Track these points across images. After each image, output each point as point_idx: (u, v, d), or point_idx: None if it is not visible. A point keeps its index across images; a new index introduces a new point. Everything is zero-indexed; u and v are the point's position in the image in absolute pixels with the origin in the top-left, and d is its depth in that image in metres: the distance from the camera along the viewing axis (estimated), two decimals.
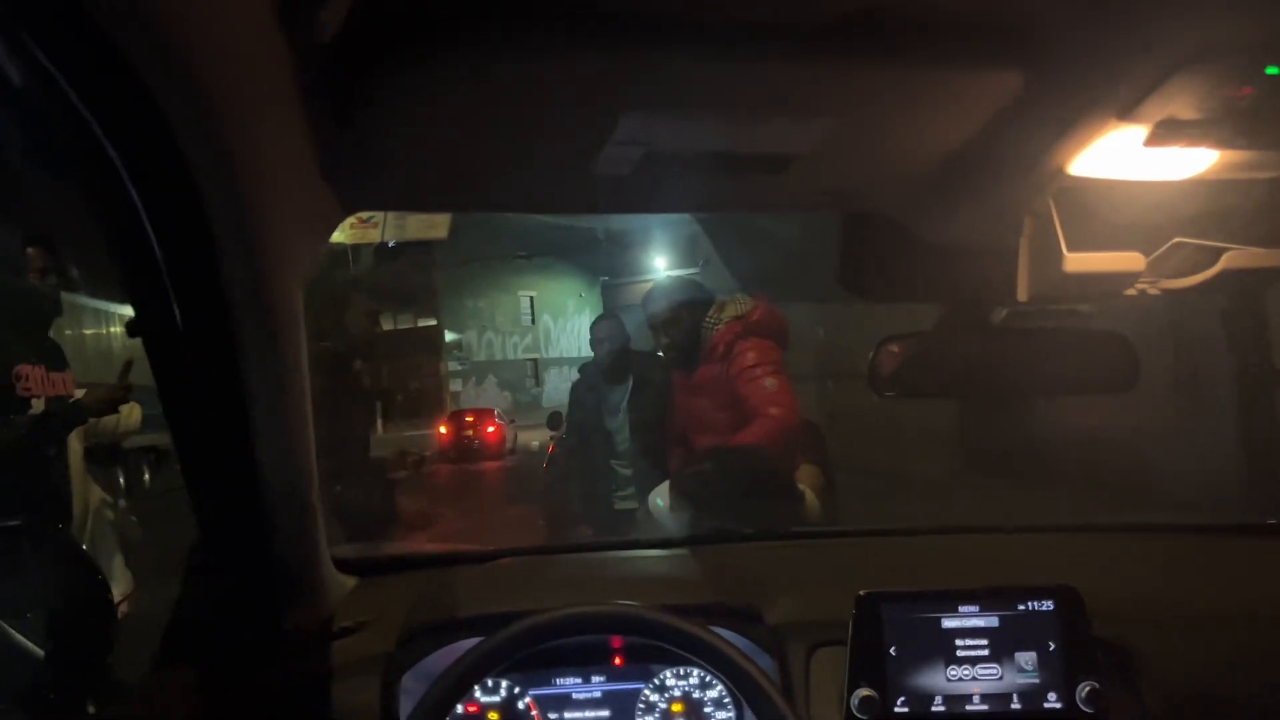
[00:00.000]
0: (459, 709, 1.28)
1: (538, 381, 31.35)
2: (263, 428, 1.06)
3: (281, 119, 0.85)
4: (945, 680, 1.25)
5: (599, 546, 2.02)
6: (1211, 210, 1.28)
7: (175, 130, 0.75)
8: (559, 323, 32.54)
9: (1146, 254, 1.25)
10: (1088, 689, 1.23)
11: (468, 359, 30.06)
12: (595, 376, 3.83)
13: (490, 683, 1.29)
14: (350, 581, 1.48)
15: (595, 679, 1.31)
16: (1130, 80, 0.94)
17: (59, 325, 3.37)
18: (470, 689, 1.18)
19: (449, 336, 29.40)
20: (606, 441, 3.72)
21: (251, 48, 0.75)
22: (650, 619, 1.11)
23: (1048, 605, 1.26)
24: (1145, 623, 1.34)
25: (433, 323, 29.02)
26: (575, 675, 1.31)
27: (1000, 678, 1.25)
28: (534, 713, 1.30)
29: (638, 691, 1.31)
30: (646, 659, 1.31)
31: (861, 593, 1.26)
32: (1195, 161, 1.08)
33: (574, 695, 1.30)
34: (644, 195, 1.28)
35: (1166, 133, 0.99)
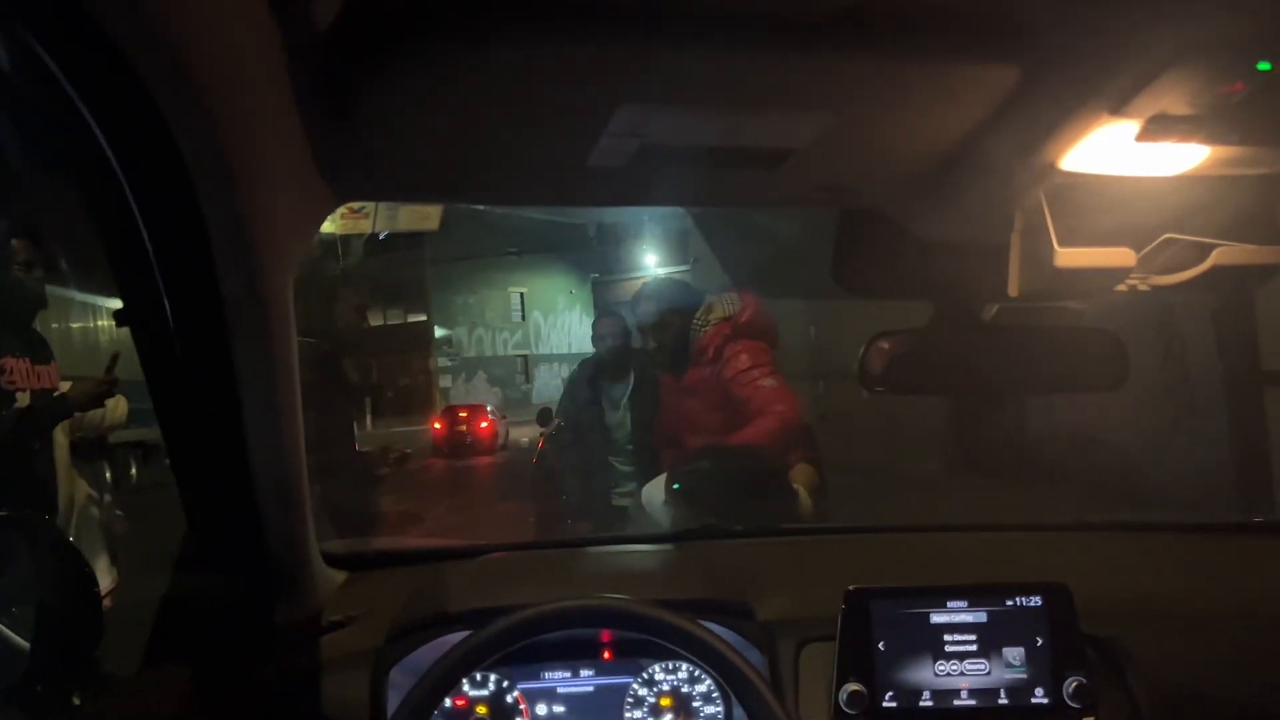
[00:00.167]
0: (447, 703, 1.28)
1: (528, 378, 31.35)
2: (253, 421, 1.06)
3: (275, 108, 0.85)
4: (933, 675, 1.26)
5: (589, 542, 2.02)
6: (1202, 206, 1.29)
7: (167, 120, 0.75)
8: (549, 319, 32.53)
9: (1137, 250, 1.26)
10: (1075, 684, 1.24)
11: (458, 355, 30.03)
12: (595, 372, 3.83)
13: (479, 676, 1.29)
14: (339, 576, 1.48)
15: (584, 673, 1.31)
16: (1122, 75, 0.94)
17: (45, 318, 3.35)
18: (458, 683, 1.19)
19: (439, 332, 29.37)
20: (604, 438, 3.73)
21: (245, 36, 0.75)
22: (639, 613, 1.12)
23: (1036, 601, 1.27)
24: (1136, 620, 1.35)
25: (423, 318, 28.99)
26: (564, 669, 1.31)
27: (988, 673, 1.26)
28: (522, 706, 1.30)
29: (626, 686, 1.31)
30: (635, 653, 1.31)
31: (851, 588, 1.27)
32: (1187, 157, 1.08)
33: (562, 689, 1.31)
34: (638, 188, 1.29)
35: (1158, 128, 1.00)
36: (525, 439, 15.62)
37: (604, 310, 4.12)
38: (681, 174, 1.18)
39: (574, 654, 1.31)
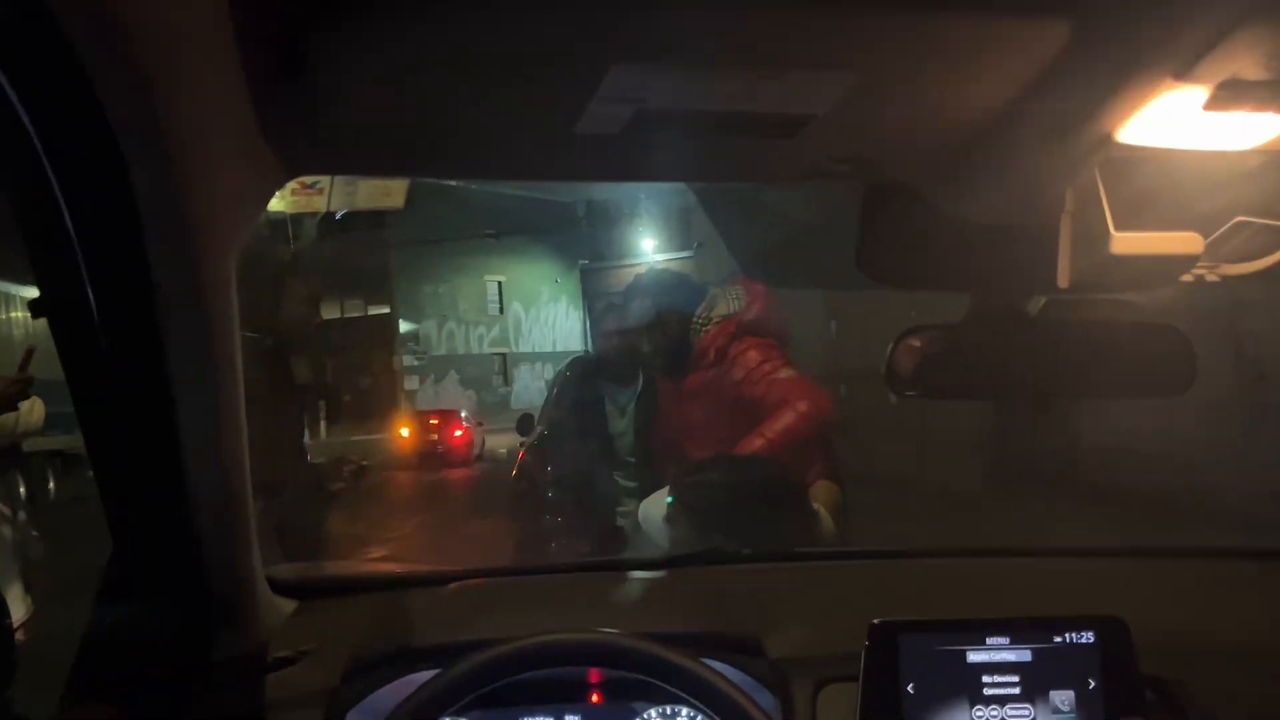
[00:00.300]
0: None
1: (506, 380, 31.38)
2: (189, 428, 1.06)
3: (215, 68, 0.85)
4: None
5: (576, 567, 2.02)
6: None
7: (91, 79, 0.75)
8: (531, 312, 32.55)
9: (1205, 235, 1.26)
10: None
11: (425, 353, 30.06)
12: (597, 373, 3.82)
13: None
14: (288, 605, 1.48)
15: (569, 718, 1.31)
16: (1189, 33, 0.94)
17: None
18: None
19: (404, 327, 29.39)
20: (605, 449, 3.72)
21: None
22: (633, 648, 1.12)
23: (1088, 637, 1.28)
24: (1202, 660, 1.35)
25: (385, 310, 29.00)
26: (546, 714, 1.31)
27: (1033, 718, 1.26)
28: None
29: None
30: (629, 696, 1.31)
31: (876, 621, 1.27)
32: (1263, 129, 1.08)
33: None
34: (633, 161, 1.29)
35: (1230, 95, 1.00)
36: (503, 449, 15.65)
37: (610, 302, 4.09)
38: (684, 145, 1.18)
39: (558, 696, 1.31)
